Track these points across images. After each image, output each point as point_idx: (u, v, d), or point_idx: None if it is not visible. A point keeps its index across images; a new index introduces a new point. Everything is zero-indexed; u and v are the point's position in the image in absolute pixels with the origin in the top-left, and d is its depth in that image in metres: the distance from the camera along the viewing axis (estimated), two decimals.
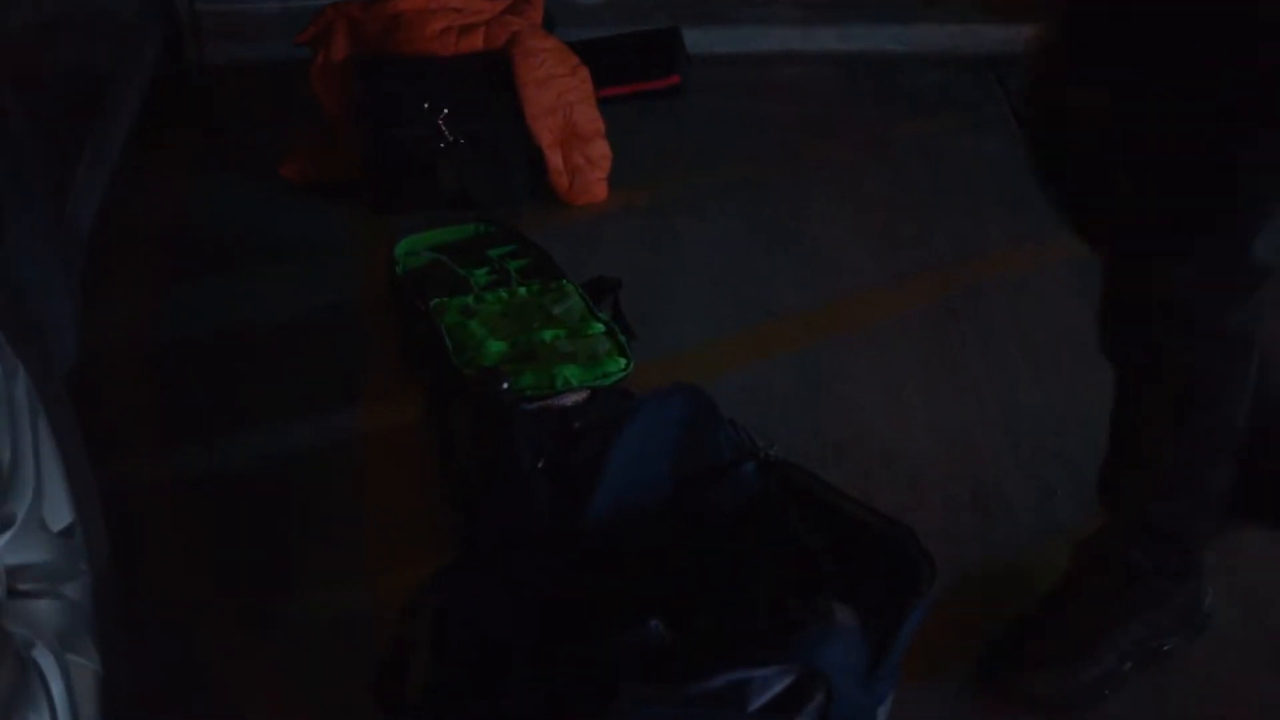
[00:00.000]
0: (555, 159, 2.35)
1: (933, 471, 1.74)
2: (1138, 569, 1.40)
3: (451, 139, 2.30)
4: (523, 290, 1.97)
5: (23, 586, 1.07)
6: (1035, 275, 2.18)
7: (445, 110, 2.30)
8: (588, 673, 1.10)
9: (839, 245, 2.29)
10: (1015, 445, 1.78)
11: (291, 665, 1.47)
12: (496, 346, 1.83)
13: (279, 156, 2.44)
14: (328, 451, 1.81)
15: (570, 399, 1.74)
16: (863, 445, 1.78)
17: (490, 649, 1.19)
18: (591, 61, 2.47)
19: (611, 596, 1.20)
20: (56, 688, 1.04)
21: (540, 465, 1.31)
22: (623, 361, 1.81)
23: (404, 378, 1.93)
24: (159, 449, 1.83)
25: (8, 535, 1.02)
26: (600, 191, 2.41)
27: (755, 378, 1.92)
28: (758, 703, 1.06)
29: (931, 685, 1.39)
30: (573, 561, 1.25)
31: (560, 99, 2.34)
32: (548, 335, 1.86)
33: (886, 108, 2.78)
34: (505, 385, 1.72)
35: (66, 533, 1.16)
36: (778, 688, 1.06)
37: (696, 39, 2.91)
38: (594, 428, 1.42)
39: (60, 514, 1.15)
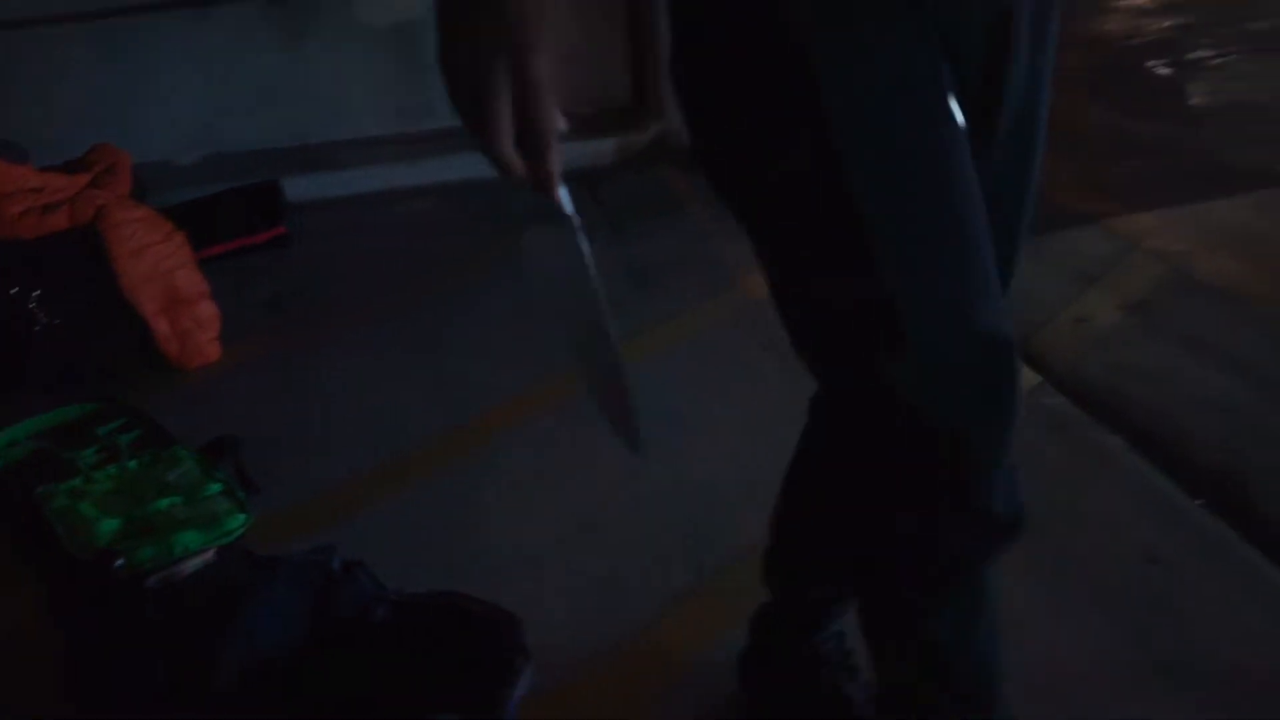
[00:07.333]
0: (161, 326, 2.34)
1: (557, 562, 1.79)
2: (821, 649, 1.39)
3: (46, 321, 2.25)
4: (133, 464, 1.95)
5: None
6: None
7: (36, 293, 2.25)
8: None
9: (468, 362, 2.37)
10: (641, 524, 1.86)
11: None
12: (110, 525, 1.79)
13: None
14: None
15: (191, 565, 1.73)
16: (495, 550, 1.83)
17: None
18: (190, 223, 2.49)
19: None
20: None
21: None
22: (241, 517, 1.81)
23: (16, 576, 1.85)
24: None
25: None
26: (213, 352, 2.41)
27: (390, 513, 1.93)
28: None
29: None
30: None
31: (157, 267, 2.33)
32: (164, 504, 1.84)
33: (499, 225, 2.89)
34: (119, 563, 1.69)
35: None
36: None
37: (303, 187, 2.98)
38: (212, 599, 1.43)
39: None
